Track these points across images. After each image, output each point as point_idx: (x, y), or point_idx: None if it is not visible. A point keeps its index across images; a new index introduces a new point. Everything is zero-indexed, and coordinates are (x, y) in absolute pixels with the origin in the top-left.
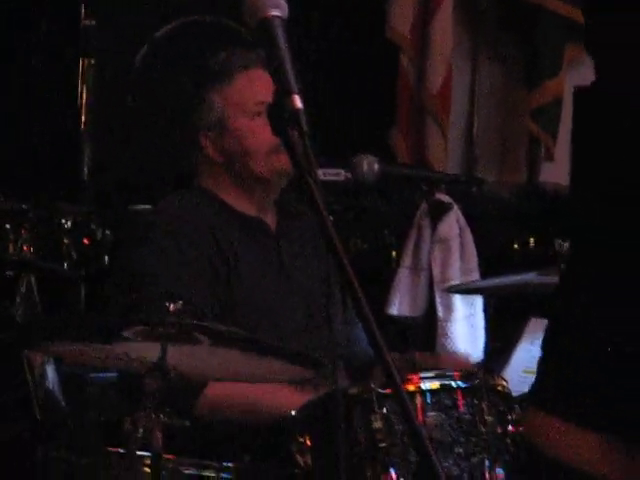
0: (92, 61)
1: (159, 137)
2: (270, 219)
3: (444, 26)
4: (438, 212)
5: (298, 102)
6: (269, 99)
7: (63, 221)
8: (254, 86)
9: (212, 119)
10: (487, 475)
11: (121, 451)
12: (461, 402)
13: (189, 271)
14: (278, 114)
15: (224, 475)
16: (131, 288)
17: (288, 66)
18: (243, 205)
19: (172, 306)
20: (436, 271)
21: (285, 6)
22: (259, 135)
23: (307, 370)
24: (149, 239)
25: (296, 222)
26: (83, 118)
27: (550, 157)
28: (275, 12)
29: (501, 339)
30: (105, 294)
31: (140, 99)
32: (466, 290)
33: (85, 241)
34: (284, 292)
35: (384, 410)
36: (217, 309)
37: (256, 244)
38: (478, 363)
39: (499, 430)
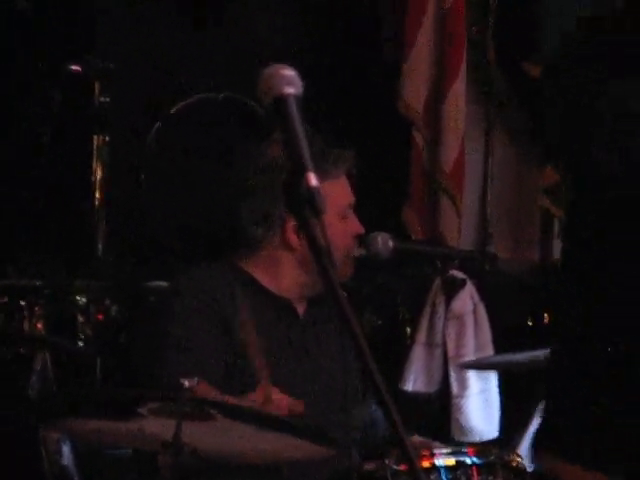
0: (106, 138)
1: (175, 213)
2: (300, 305)
3: (457, 103)
4: (452, 288)
5: (313, 180)
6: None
7: (77, 298)
8: (348, 189)
9: None
10: None
11: None
12: (476, 479)
13: (207, 349)
14: (294, 192)
15: None
16: (148, 362)
17: (303, 143)
18: (280, 288)
19: (187, 382)
20: (450, 347)
21: (300, 84)
22: (343, 238)
23: (323, 448)
24: (170, 312)
25: (324, 309)
26: (97, 194)
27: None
28: (290, 90)
29: (516, 415)
30: (122, 369)
31: (154, 176)
32: (480, 366)
33: (99, 317)
34: (304, 374)
35: None
36: (233, 385)
37: (282, 324)
38: (494, 439)
39: None
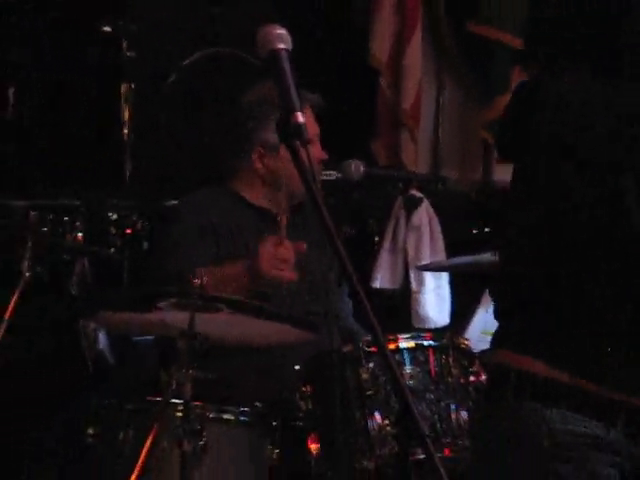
0: (132, 85)
1: (189, 146)
2: (281, 215)
3: (415, 55)
4: (411, 205)
5: (300, 118)
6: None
7: (110, 214)
8: (308, 122)
9: (268, 140)
10: (453, 417)
11: (158, 399)
12: (432, 358)
13: (207, 253)
14: (285, 128)
15: (241, 418)
16: (163, 266)
17: (292, 89)
18: (262, 202)
19: (197, 281)
20: (410, 252)
21: (289, 40)
22: None
23: (308, 332)
24: (177, 227)
25: (306, 220)
26: (125, 131)
27: (501, 160)
28: (281, 45)
29: (463, 307)
30: (144, 273)
31: (171, 116)
32: (434, 268)
33: (127, 230)
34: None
35: (370, 365)
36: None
37: (266, 232)
38: (446, 326)
39: (463, 380)
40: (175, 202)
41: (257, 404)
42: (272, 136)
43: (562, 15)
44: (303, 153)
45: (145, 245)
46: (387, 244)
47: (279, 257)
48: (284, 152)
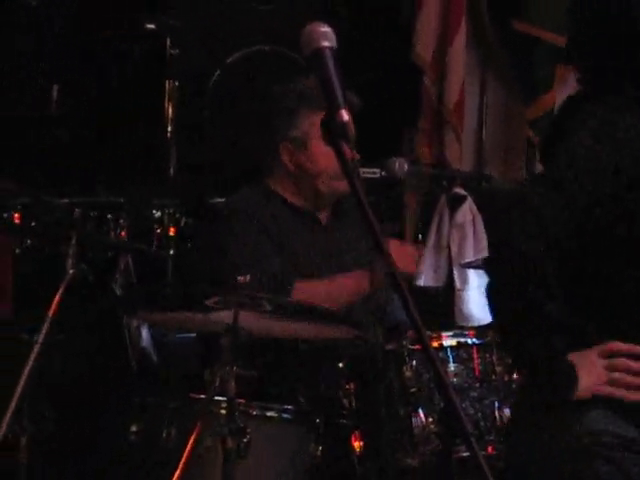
0: (176, 83)
1: (231, 144)
2: (323, 214)
3: (458, 53)
4: (455, 202)
5: (345, 116)
6: None
7: (154, 212)
8: None
9: (296, 136)
10: (496, 414)
11: (202, 397)
12: (475, 356)
13: (253, 252)
14: (329, 126)
15: (285, 415)
16: (209, 264)
17: (337, 86)
18: (300, 202)
19: (242, 279)
20: (454, 250)
21: (334, 38)
22: (330, 161)
23: (350, 329)
24: (223, 227)
25: (346, 218)
26: (169, 128)
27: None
28: (326, 43)
29: None
30: (188, 270)
31: (215, 113)
32: (478, 266)
33: (171, 228)
34: (328, 270)
35: (414, 362)
36: (272, 282)
37: (308, 232)
38: (489, 324)
39: (506, 378)
40: (219, 200)
41: (301, 401)
42: (298, 131)
43: (599, 31)
44: (347, 152)
45: (189, 243)
46: (431, 242)
47: (409, 253)
48: (314, 148)
